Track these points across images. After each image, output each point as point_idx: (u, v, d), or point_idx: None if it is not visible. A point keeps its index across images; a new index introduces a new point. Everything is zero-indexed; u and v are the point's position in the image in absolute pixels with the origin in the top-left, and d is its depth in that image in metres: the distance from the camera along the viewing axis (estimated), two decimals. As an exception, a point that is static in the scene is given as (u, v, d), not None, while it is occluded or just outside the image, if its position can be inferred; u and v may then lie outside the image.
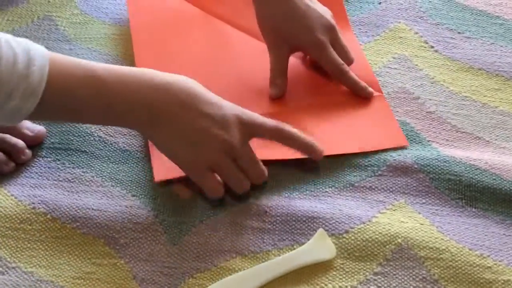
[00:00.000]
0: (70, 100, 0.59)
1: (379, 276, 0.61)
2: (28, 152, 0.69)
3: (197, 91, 0.62)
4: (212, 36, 0.81)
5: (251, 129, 0.64)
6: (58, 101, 0.59)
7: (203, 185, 0.64)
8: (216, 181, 0.64)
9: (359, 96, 0.74)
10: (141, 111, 0.61)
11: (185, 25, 0.82)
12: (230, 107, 0.63)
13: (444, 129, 0.73)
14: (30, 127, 0.71)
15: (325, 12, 0.75)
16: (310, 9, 0.73)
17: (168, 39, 0.80)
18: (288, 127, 0.65)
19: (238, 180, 0.64)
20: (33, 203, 0.65)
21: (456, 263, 0.61)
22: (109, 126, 0.72)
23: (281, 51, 0.74)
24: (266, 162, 0.66)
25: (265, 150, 0.66)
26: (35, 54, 0.57)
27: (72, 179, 0.67)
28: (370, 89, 0.74)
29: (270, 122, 0.65)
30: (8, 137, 0.69)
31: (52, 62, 0.58)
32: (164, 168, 0.66)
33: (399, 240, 0.62)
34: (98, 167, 0.69)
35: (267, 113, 0.70)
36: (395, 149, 0.70)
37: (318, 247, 0.62)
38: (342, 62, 0.74)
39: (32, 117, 0.59)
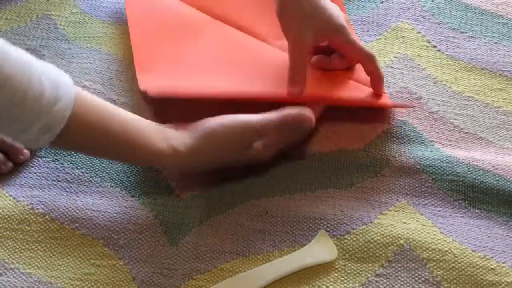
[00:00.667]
0: (87, 140, 0.60)
1: (381, 278, 0.61)
2: (26, 152, 0.69)
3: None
4: (211, 35, 0.80)
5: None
6: (75, 138, 0.59)
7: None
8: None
9: (374, 88, 0.73)
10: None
11: (183, 25, 0.82)
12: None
13: (446, 129, 0.73)
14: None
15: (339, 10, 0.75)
16: (328, 3, 0.73)
17: (166, 39, 0.80)
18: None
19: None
20: (32, 204, 0.65)
21: (459, 265, 0.61)
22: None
23: (304, 42, 0.72)
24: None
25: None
26: (63, 92, 0.57)
27: (71, 179, 0.67)
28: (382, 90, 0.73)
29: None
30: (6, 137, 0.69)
31: (76, 101, 0.58)
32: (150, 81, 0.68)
33: (401, 242, 0.62)
34: (97, 167, 0.69)
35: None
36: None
37: (320, 248, 0.62)
38: (364, 46, 0.73)
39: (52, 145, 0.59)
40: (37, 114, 0.56)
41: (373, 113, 0.74)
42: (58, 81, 0.57)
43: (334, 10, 0.73)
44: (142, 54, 0.77)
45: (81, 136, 0.59)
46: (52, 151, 0.70)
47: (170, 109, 0.72)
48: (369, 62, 0.73)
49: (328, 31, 0.73)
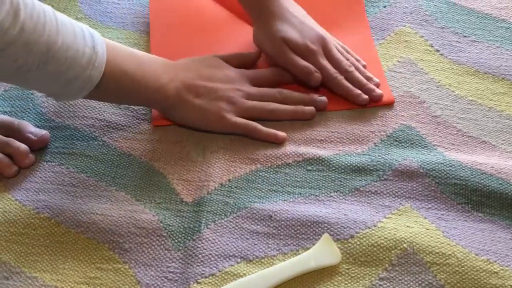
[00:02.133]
0: (121, 74, 0.66)
1: (384, 282, 0.61)
2: (31, 156, 0.69)
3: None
4: (232, 34, 0.81)
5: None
6: (113, 74, 0.65)
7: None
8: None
9: (355, 104, 0.75)
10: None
11: (205, 22, 0.83)
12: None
13: (449, 133, 0.73)
14: (34, 131, 0.71)
15: (318, 27, 0.77)
16: (302, 23, 0.76)
17: (187, 36, 0.81)
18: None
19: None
20: (37, 208, 0.66)
21: (463, 268, 0.61)
22: (113, 132, 0.72)
23: (283, 50, 0.76)
24: None
25: None
26: (93, 31, 0.64)
27: (76, 183, 0.68)
28: (364, 96, 0.74)
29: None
30: (12, 141, 0.70)
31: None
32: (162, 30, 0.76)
33: (405, 245, 0.63)
34: (102, 171, 0.69)
35: None
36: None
37: (323, 252, 0.62)
38: (335, 70, 0.75)
39: (92, 93, 0.65)
40: (84, 67, 0.62)
41: (376, 117, 0.74)
42: (92, 34, 0.64)
43: (305, 30, 0.76)
44: (161, 50, 0.78)
45: (111, 82, 0.65)
46: (58, 156, 0.70)
47: None
48: (336, 86, 0.75)
49: (294, 50, 0.76)
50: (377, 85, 0.76)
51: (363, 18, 0.84)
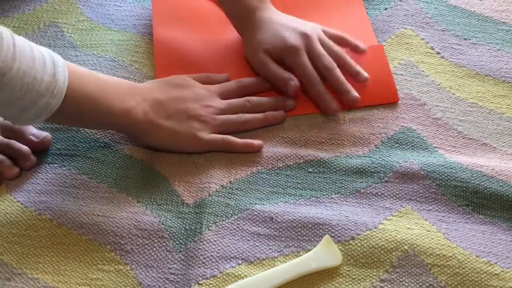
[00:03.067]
0: (83, 99, 0.64)
1: (385, 283, 0.61)
2: (33, 158, 0.70)
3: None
4: (235, 35, 0.81)
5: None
6: (75, 100, 0.63)
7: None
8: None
9: (322, 109, 0.75)
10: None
11: (208, 24, 0.83)
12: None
13: (450, 136, 0.73)
14: (36, 133, 0.71)
15: (305, 25, 0.77)
16: (286, 27, 0.76)
17: (190, 38, 0.81)
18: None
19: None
20: (39, 209, 0.66)
21: (463, 270, 0.61)
22: (115, 134, 0.73)
23: (264, 63, 0.76)
24: None
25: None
26: (55, 56, 0.63)
27: (78, 185, 0.68)
28: (333, 106, 0.74)
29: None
30: (13, 143, 0.70)
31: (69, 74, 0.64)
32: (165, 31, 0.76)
33: (406, 247, 0.63)
34: (103, 173, 0.69)
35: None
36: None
37: (324, 253, 0.62)
38: (312, 69, 0.74)
39: (53, 118, 0.63)
40: (42, 94, 0.60)
41: (377, 119, 0.74)
42: (54, 60, 0.62)
43: (286, 31, 0.75)
44: (164, 56, 0.79)
45: (73, 107, 0.63)
46: (59, 158, 0.70)
47: None
48: (310, 86, 0.74)
49: (278, 53, 0.75)
50: (365, 80, 0.75)
51: (365, 20, 0.84)
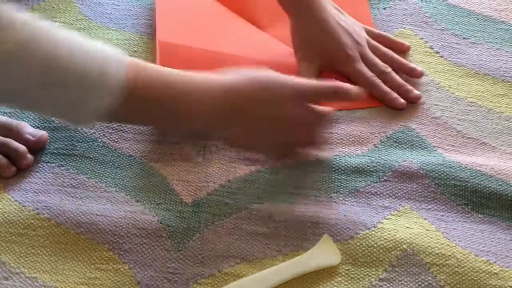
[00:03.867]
0: (147, 101, 0.61)
1: (384, 282, 0.61)
2: (30, 157, 0.70)
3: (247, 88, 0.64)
4: (239, 36, 0.82)
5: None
6: (133, 101, 0.60)
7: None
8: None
9: (391, 107, 0.75)
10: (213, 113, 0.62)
11: (214, 26, 0.83)
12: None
13: (449, 135, 0.73)
14: (33, 132, 0.72)
15: (354, 26, 0.78)
16: (340, 26, 0.76)
17: (195, 39, 0.81)
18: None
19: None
20: (37, 209, 0.66)
21: (462, 269, 0.62)
22: (113, 133, 0.73)
23: (311, 65, 0.76)
24: None
25: None
26: (113, 49, 0.59)
27: (76, 184, 0.68)
28: (401, 100, 0.75)
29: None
30: (10, 141, 0.70)
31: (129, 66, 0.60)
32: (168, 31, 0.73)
33: (405, 246, 0.63)
34: (102, 172, 0.69)
35: None
36: None
37: (323, 252, 0.63)
38: (371, 74, 0.76)
39: (112, 116, 0.60)
40: (90, 92, 0.56)
41: (376, 119, 0.75)
42: (109, 54, 0.58)
43: (343, 35, 0.75)
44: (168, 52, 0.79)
45: (135, 105, 0.60)
46: (58, 157, 0.71)
47: None
48: (374, 91, 0.75)
49: (333, 60, 0.76)
50: (421, 75, 0.77)
51: (368, 19, 0.84)
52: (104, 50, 0.59)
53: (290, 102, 0.63)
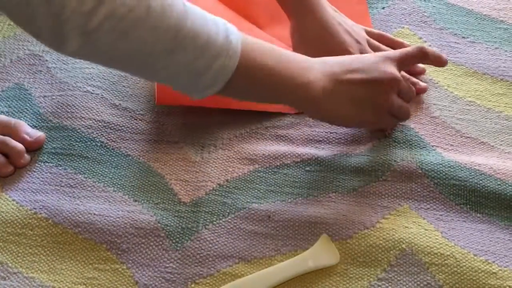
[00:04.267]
0: (256, 69, 0.62)
1: (383, 282, 0.61)
2: (27, 156, 0.70)
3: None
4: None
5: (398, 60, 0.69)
6: (248, 68, 0.61)
7: (382, 127, 0.71)
8: (391, 118, 0.70)
9: None
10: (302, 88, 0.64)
11: None
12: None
13: (448, 134, 0.73)
14: (30, 132, 0.72)
15: (353, 26, 0.78)
16: (340, 25, 0.77)
17: None
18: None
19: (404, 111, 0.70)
20: (35, 208, 0.66)
21: (461, 269, 0.62)
22: (111, 132, 0.73)
23: None
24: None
25: None
26: (226, 22, 0.60)
27: (74, 184, 0.68)
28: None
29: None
30: (8, 139, 0.70)
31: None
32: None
33: (403, 246, 0.63)
34: (100, 172, 0.70)
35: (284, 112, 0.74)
36: None
37: (322, 252, 0.63)
38: None
39: (226, 89, 0.61)
40: (216, 56, 0.58)
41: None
42: (225, 22, 0.60)
43: (342, 34, 0.75)
44: None
45: (246, 74, 0.61)
46: (55, 157, 0.71)
47: None
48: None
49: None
50: (423, 71, 0.78)
51: (367, 19, 0.85)
52: (221, 19, 0.60)
53: (380, 64, 0.67)
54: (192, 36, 0.57)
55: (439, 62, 0.73)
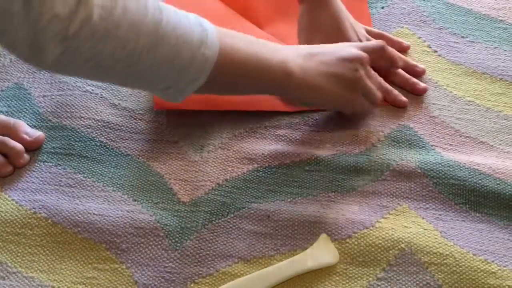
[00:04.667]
0: (234, 53, 0.63)
1: (382, 282, 0.62)
2: (26, 156, 0.70)
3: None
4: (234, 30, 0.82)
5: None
6: (226, 55, 0.62)
7: (357, 108, 0.72)
8: (362, 99, 0.71)
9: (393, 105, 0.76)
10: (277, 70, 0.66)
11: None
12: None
13: (447, 134, 0.74)
14: (29, 132, 0.72)
15: (355, 25, 0.79)
16: (348, 21, 0.78)
17: None
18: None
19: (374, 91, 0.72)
20: (34, 208, 0.66)
21: (460, 269, 0.62)
22: (111, 132, 0.73)
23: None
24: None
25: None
26: (209, 29, 0.61)
27: (74, 184, 0.69)
28: (403, 98, 0.76)
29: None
30: (7, 139, 0.71)
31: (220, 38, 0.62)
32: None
33: (403, 245, 0.63)
34: (99, 172, 0.70)
35: (282, 110, 0.75)
36: None
37: (321, 252, 0.63)
38: (374, 72, 0.75)
39: (208, 85, 0.62)
40: (197, 45, 0.59)
41: (374, 118, 0.75)
42: (195, 14, 0.61)
43: (349, 31, 0.77)
44: None
45: (226, 61, 0.62)
46: (55, 156, 0.71)
47: None
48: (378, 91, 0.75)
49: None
50: (423, 72, 0.79)
51: (368, 19, 0.85)
52: (191, 13, 0.61)
53: (346, 47, 0.71)
54: (171, 28, 0.57)
55: (392, 62, 0.76)
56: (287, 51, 0.67)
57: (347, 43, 0.73)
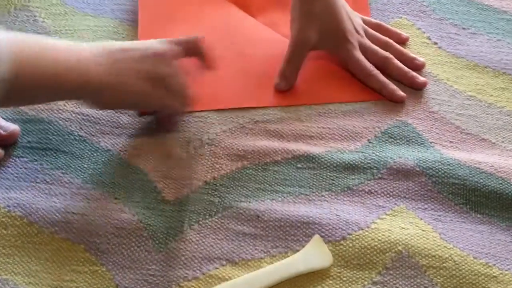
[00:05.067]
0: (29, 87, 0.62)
1: (378, 286, 0.61)
2: (0, 151, 0.69)
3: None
4: (224, 20, 0.82)
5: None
6: (20, 64, 0.60)
7: (168, 108, 0.71)
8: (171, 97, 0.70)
9: (390, 99, 0.76)
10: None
11: (202, 13, 0.84)
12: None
13: (447, 130, 0.74)
14: (4, 125, 0.71)
15: (352, 14, 0.79)
16: (345, 10, 0.78)
17: (176, 19, 0.82)
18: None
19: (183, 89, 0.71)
20: (9, 206, 0.66)
21: (460, 272, 0.62)
22: (91, 126, 0.72)
23: (305, 40, 0.76)
24: None
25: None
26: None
27: (51, 180, 0.68)
28: (401, 92, 0.75)
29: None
30: (-19, 134, 0.70)
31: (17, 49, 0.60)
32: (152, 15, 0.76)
33: (400, 248, 0.63)
34: (78, 168, 0.69)
35: (273, 105, 0.75)
36: None
37: (314, 254, 0.63)
38: (370, 64, 0.77)
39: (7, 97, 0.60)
40: None
41: (370, 113, 0.75)
42: None
43: (345, 20, 0.77)
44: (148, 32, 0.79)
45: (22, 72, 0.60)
46: (30, 151, 0.70)
47: None
48: (371, 82, 0.76)
49: (331, 44, 0.77)
50: (423, 65, 0.78)
51: (366, 8, 0.85)
52: None
53: (154, 44, 0.70)
54: None
55: (208, 62, 0.73)
56: (90, 49, 0.66)
57: (159, 39, 0.71)
